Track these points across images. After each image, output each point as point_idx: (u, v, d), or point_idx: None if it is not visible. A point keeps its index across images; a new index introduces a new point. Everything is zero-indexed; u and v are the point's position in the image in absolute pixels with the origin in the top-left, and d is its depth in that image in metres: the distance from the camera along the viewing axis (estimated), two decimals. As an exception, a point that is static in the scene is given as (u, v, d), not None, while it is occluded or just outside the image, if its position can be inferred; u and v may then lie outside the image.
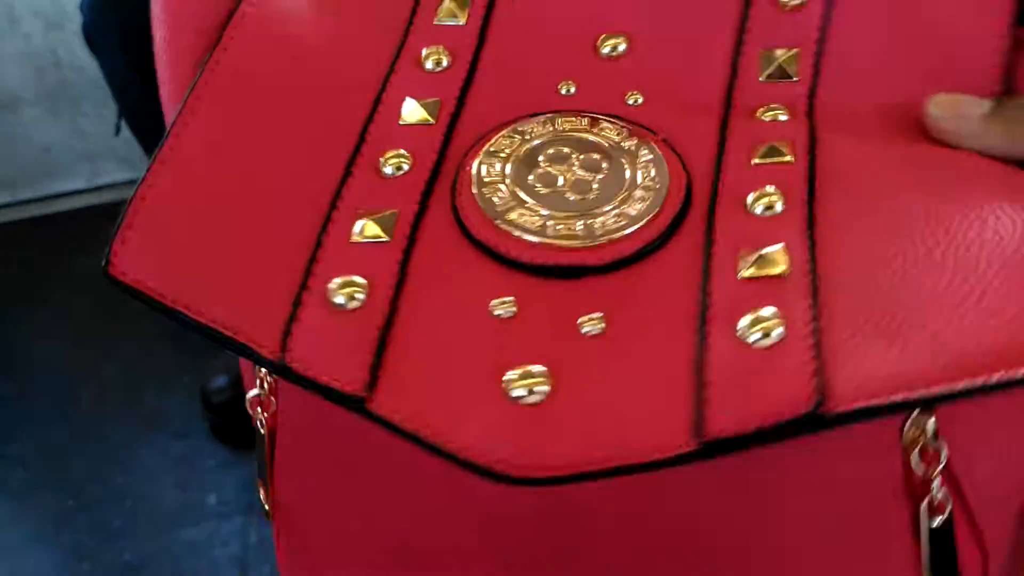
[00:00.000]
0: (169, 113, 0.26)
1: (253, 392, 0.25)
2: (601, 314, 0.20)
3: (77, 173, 1.71)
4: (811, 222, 0.20)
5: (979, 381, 0.18)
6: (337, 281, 0.20)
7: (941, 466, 0.21)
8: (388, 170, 0.22)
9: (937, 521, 0.21)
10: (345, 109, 0.24)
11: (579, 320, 0.20)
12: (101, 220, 1.76)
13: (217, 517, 1.04)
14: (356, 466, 0.25)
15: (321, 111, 0.23)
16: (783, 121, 0.22)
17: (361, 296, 0.20)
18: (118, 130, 1.08)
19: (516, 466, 0.18)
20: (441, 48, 0.24)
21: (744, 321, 0.19)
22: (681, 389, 0.18)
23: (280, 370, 0.20)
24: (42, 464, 1.12)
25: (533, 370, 0.19)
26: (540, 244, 0.21)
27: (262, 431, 0.26)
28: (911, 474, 0.21)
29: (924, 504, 0.21)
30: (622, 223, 0.21)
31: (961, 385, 0.18)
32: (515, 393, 0.19)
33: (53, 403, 1.22)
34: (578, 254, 0.20)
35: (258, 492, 0.28)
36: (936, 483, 0.21)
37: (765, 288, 0.19)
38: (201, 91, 0.23)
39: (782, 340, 0.18)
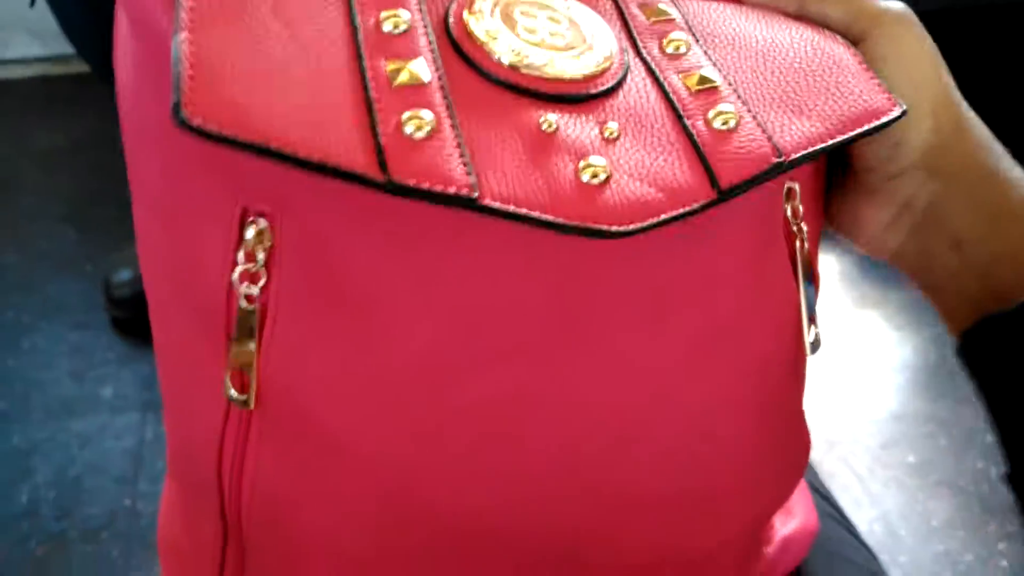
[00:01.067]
0: None
1: (240, 267, 0.26)
2: (615, 122, 0.27)
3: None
4: (707, 55, 0.30)
5: (856, 132, 0.27)
6: (405, 115, 0.24)
7: (800, 210, 0.31)
8: (387, 27, 0.26)
9: (802, 257, 0.31)
10: None
11: (603, 126, 0.27)
12: (8, 97, 1.68)
13: (112, 410, 1.03)
14: (368, 323, 0.26)
15: None
16: None
17: (429, 127, 0.24)
18: (33, 1, 1.02)
19: (606, 224, 0.24)
20: None
21: (711, 114, 0.27)
22: (692, 161, 0.26)
23: (390, 188, 0.23)
24: (-71, 342, 1.09)
25: (594, 161, 0.25)
26: (550, 78, 0.27)
27: (248, 307, 0.26)
28: (788, 225, 0.31)
29: (797, 243, 0.31)
30: (598, 61, 0.28)
31: (847, 136, 0.27)
32: (585, 178, 0.25)
33: (-56, 281, 1.18)
34: (579, 84, 0.27)
35: (226, 381, 0.26)
36: (804, 228, 0.31)
37: (711, 94, 0.28)
38: None
39: (739, 123, 0.27)
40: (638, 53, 0.30)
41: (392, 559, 0.29)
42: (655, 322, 0.28)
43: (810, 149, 0.27)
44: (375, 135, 0.23)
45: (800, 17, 0.32)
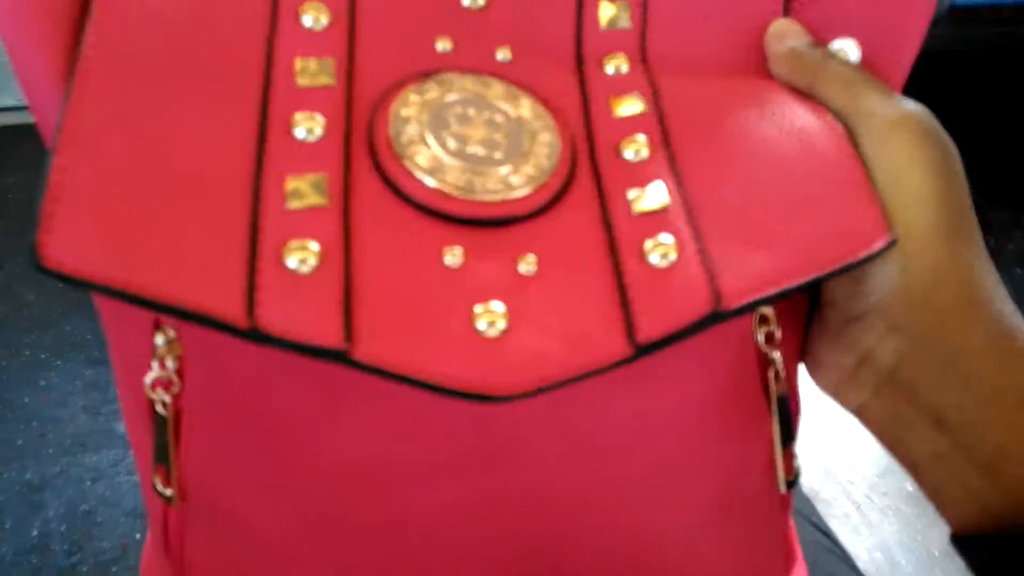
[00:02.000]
0: (35, 80, 0.24)
1: (152, 374, 0.24)
2: (534, 255, 0.23)
3: (8, 89, 1.67)
4: (672, 161, 0.25)
5: (827, 269, 0.23)
6: (289, 246, 0.21)
7: (778, 334, 0.26)
8: (300, 133, 0.23)
9: (778, 388, 0.27)
10: (237, 72, 0.23)
11: (517, 261, 0.23)
12: (29, 141, 1.72)
13: (124, 446, 1.05)
14: (281, 437, 0.25)
15: (213, 75, 0.23)
16: (626, 73, 0.27)
17: (314, 260, 0.21)
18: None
19: (492, 388, 0.21)
20: (318, 4, 0.25)
21: (648, 245, 0.23)
22: (612, 307, 0.22)
23: (254, 336, 0.20)
24: (-51, 379, 1.12)
25: (494, 308, 0.22)
26: (471, 200, 0.23)
27: (163, 413, 0.25)
28: (761, 353, 0.26)
29: (771, 373, 0.27)
30: (533, 175, 0.24)
31: (813, 275, 0.23)
32: (480, 327, 0.21)
33: (-35, 320, 1.21)
34: (504, 207, 0.23)
35: (154, 482, 0.25)
36: (777, 356, 0.26)
37: (655, 220, 0.24)
38: (88, 64, 0.22)
39: (678, 259, 0.23)
40: (591, 158, 0.25)
41: None
42: (587, 460, 0.25)
43: (758, 296, 0.23)
44: (251, 271, 0.21)
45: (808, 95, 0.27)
